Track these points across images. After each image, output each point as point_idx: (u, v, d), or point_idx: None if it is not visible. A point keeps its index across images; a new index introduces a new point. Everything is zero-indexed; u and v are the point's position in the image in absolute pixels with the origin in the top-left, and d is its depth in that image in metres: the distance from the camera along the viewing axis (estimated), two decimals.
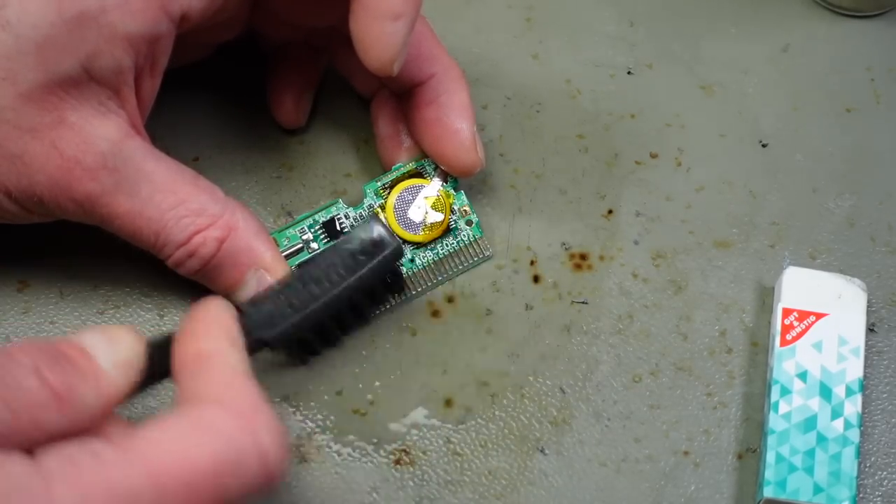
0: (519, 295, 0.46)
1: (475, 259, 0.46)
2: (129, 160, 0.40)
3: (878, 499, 0.44)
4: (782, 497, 0.42)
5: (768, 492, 0.42)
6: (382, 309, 0.45)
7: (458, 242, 0.46)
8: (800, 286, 0.45)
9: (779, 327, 0.44)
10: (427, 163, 0.46)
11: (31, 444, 0.31)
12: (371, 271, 0.41)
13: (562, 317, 0.46)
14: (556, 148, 0.49)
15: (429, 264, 0.46)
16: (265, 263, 0.43)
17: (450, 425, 0.44)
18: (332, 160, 0.48)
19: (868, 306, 0.45)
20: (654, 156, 0.49)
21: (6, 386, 0.31)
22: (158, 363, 0.37)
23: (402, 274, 0.44)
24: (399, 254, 0.42)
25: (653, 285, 0.47)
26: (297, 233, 0.45)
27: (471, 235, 0.46)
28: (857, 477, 0.42)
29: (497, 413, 0.44)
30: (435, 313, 0.46)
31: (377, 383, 0.45)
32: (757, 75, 0.51)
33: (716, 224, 0.48)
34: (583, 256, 0.47)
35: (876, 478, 0.44)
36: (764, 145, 0.50)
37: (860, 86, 0.51)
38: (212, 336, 0.36)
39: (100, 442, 0.31)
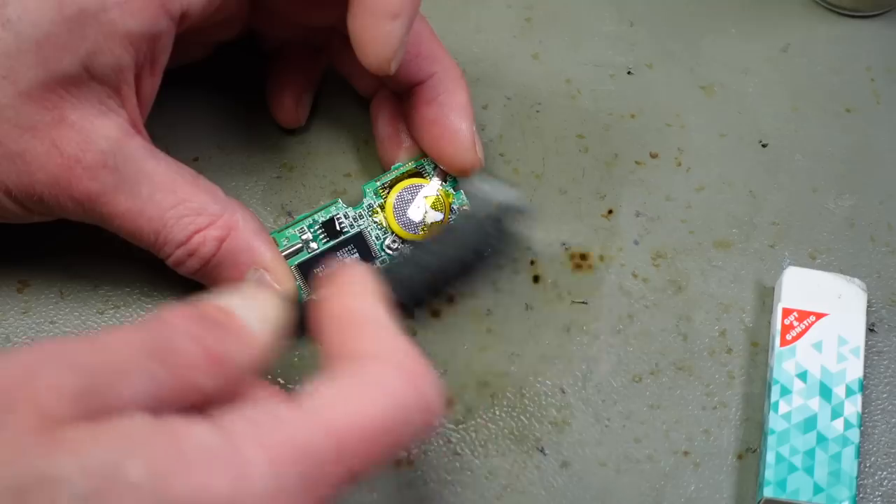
0: (519, 295, 0.46)
1: None
2: (129, 159, 0.40)
3: (878, 499, 0.44)
4: (782, 497, 0.42)
5: (768, 492, 0.42)
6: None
7: None
8: (800, 286, 0.45)
9: (779, 327, 0.44)
10: (426, 162, 0.46)
11: (191, 407, 0.32)
12: (499, 235, 0.42)
13: (562, 317, 0.46)
14: (556, 148, 0.49)
15: None
16: (265, 263, 0.43)
17: (450, 425, 0.44)
18: (332, 160, 0.48)
19: (868, 306, 0.45)
20: (654, 156, 0.49)
21: (166, 350, 0.32)
22: (298, 322, 0.37)
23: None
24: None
25: (653, 285, 0.47)
26: (297, 232, 0.45)
27: None
28: (857, 477, 0.42)
29: (497, 413, 0.44)
30: (435, 313, 0.46)
31: None
32: (757, 75, 0.51)
33: (716, 224, 0.48)
34: (583, 256, 0.47)
35: (876, 478, 0.44)
36: (764, 145, 0.50)
37: (860, 86, 0.51)
38: (358, 294, 0.36)
39: (275, 403, 0.32)
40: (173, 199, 0.41)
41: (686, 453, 0.44)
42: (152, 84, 0.42)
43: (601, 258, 0.47)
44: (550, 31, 0.51)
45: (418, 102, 0.45)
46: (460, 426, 0.44)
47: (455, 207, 0.46)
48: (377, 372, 0.34)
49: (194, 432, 0.30)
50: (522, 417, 0.44)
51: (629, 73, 0.51)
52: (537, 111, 0.50)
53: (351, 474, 0.32)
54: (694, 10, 0.52)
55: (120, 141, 0.40)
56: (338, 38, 0.46)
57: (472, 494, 0.43)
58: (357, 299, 0.36)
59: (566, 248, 0.47)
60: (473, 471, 0.43)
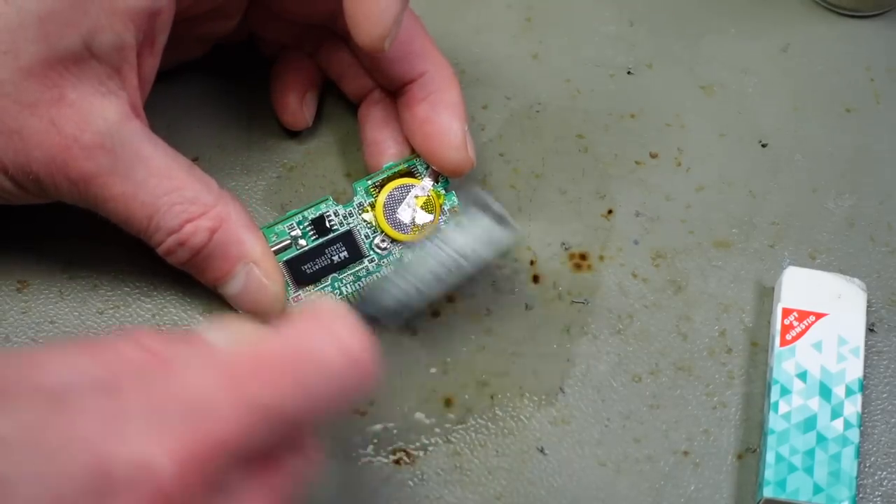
0: (519, 295, 0.46)
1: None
2: (126, 142, 0.40)
3: (878, 499, 0.44)
4: (782, 497, 0.42)
5: (768, 492, 0.42)
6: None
7: None
8: (799, 286, 0.45)
9: (779, 327, 0.44)
10: (419, 162, 0.46)
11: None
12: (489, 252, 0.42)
13: (562, 317, 0.46)
14: (556, 148, 0.49)
15: None
16: (255, 257, 0.43)
17: (450, 425, 0.44)
18: (332, 160, 0.48)
19: (868, 306, 0.45)
20: (653, 156, 0.49)
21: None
22: None
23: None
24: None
25: (652, 285, 0.47)
26: (286, 228, 0.45)
27: None
28: (857, 477, 0.42)
29: (497, 413, 0.44)
30: (435, 313, 0.46)
31: (377, 383, 0.45)
32: (757, 75, 0.51)
33: (716, 224, 0.48)
34: (583, 256, 0.47)
35: (876, 478, 0.44)
36: (764, 145, 0.50)
37: (860, 86, 0.51)
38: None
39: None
40: (168, 185, 0.41)
41: (686, 453, 0.44)
42: (152, 64, 0.42)
43: (601, 258, 0.47)
44: (550, 31, 0.51)
45: (410, 101, 0.45)
46: (460, 426, 0.44)
47: (446, 209, 0.46)
48: (289, 322, 0.34)
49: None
50: (522, 417, 0.44)
51: (629, 73, 0.51)
52: (537, 111, 0.50)
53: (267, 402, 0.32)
54: (694, 10, 0.52)
55: (118, 123, 0.40)
56: (328, 39, 0.46)
57: (472, 494, 0.43)
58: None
59: (566, 248, 0.47)
60: (473, 471, 0.43)
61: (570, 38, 0.52)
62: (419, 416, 0.44)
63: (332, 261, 0.45)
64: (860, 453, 0.43)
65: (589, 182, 0.48)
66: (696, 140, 0.50)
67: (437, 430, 0.44)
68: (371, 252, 0.45)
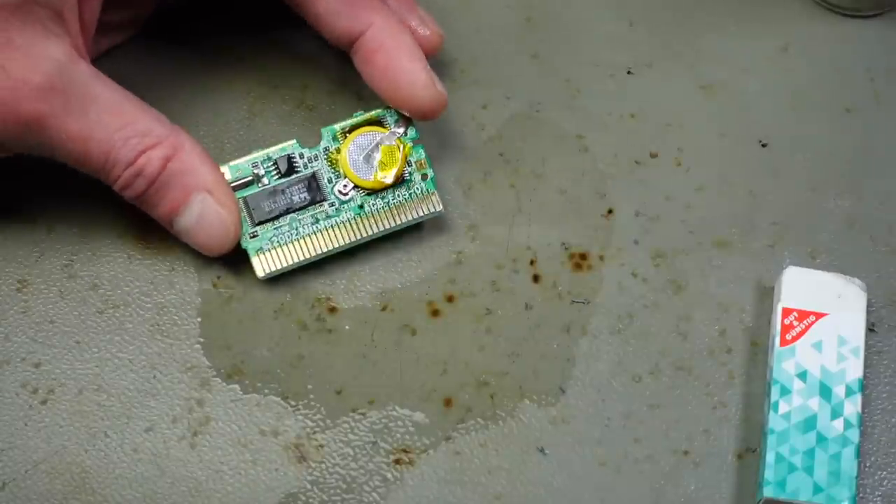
0: (519, 295, 0.46)
1: (425, 212, 0.46)
2: (76, 82, 0.41)
3: (878, 499, 0.44)
4: (782, 497, 0.42)
5: (768, 492, 0.42)
6: None
7: (409, 194, 0.46)
8: (799, 286, 0.45)
9: (779, 327, 0.44)
10: (389, 113, 0.46)
11: None
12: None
13: (562, 317, 0.46)
14: (556, 148, 0.49)
15: (377, 212, 0.45)
16: (209, 185, 0.43)
17: (450, 425, 0.44)
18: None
19: (868, 306, 0.45)
20: (653, 155, 0.49)
21: None
22: None
23: None
24: None
25: (652, 285, 0.47)
26: (250, 166, 0.45)
27: (424, 189, 0.46)
28: (857, 477, 0.42)
29: (497, 413, 0.44)
30: (435, 313, 0.46)
31: (377, 383, 0.45)
32: (757, 75, 0.51)
33: (716, 224, 0.48)
34: (583, 256, 0.47)
35: (876, 478, 0.44)
36: (764, 145, 0.50)
37: (860, 86, 0.51)
38: None
39: None
40: (120, 121, 0.41)
41: (686, 453, 0.44)
42: (91, 10, 0.43)
43: (601, 258, 0.47)
44: (550, 31, 0.51)
45: (366, 55, 0.45)
46: (460, 426, 0.44)
47: (412, 161, 0.46)
48: None
49: None
50: (522, 417, 0.44)
51: (629, 72, 0.51)
52: (537, 111, 0.50)
53: None
54: (694, 10, 0.52)
55: (67, 64, 0.41)
56: None
57: (472, 494, 0.43)
58: None
59: (566, 248, 0.47)
60: (473, 471, 0.43)
61: (570, 38, 0.51)
62: (419, 416, 0.44)
63: (291, 201, 0.45)
64: (860, 453, 0.43)
65: (589, 182, 0.48)
66: (696, 140, 0.49)
67: (437, 430, 0.44)
68: (332, 196, 0.45)
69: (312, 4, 0.45)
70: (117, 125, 0.41)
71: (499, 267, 0.47)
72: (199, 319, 0.45)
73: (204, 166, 0.43)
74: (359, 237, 0.45)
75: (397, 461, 0.43)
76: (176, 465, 0.43)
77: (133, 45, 0.48)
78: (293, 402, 0.44)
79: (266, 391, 0.44)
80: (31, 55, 0.40)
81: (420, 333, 0.45)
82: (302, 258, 0.45)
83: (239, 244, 0.44)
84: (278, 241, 0.45)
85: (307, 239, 0.45)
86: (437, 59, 0.48)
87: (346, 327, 0.45)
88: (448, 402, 0.44)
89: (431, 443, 0.44)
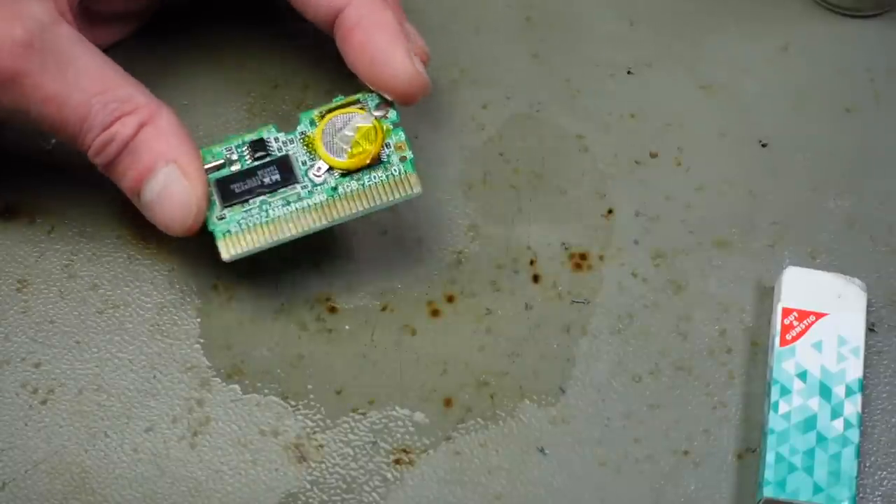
0: (519, 295, 0.46)
1: (402, 194, 0.44)
2: (56, 43, 0.41)
3: (878, 499, 0.44)
4: (782, 497, 0.42)
5: (768, 492, 0.42)
6: None
7: (387, 176, 0.44)
8: (799, 286, 0.45)
9: (778, 327, 0.44)
10: (370, 97, 0.45)
11: None
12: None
13: (562, 317, 0.46)
14: (556, 148, 0.49)
15: (352, 194, 0.44)
16: (177, 155, 0.42)
17: (450, 425, 0.44)
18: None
19: (868, 306, 0.45)
20: (653, 155, 0.49)
21: None
22: None
23: None
24: None
25: (652, 285, 0.47)
26: (224, 150, 0.44)
27: (401, 170, 0.44)
28: (857, 477, 0.42)
29: (497, 413, 0.44)
30: (435, 313, 0.46)
31: (377, 383, 0.45)
32: (757, 75, 0.51)
33: (716, 224, 0.48)
34: (583, 256, 0.47)
35: (876, 478, 0.44)
36: (764, 145, 0.50)
37: (860, 86, 0.51)
38: None
39: None
40: (100, 86, 0.41)
41: (686, 453, 0.44)
42: None
43: (601, 258, 0.47)
44: (550, 31, 0.51)
45: (344, 32, 0.44)
46: (460, 426, 0.44)
47: (391, 143, 0.44)
48: None
49: None
50: (522, 417, 0.44)
51: (629, 72, 0.51)
52: (537, 111, 0.50)
53: None
54: (694, 10, 0.52)
55: (49, 24, 0.40)
56: None
57: (472, 494, 0.43)
58: None
59: (566, 248, 0.47)
60: (473, 471, 0.43)
61: (570, 37, 0.51)
62: (419, 416, 0.44)
63: (262, 182, 0.44)
64: (860, 453, 0.43)
65: (589, 182, 0.48)
66: (696, 140, 0.49)
67: (437, 430, 0.44)
68: (305, 179, 0.44)
69: None
70: (97, 89, 0.41)
71: (499, 267, 0.47)
72: (199, 319, 0.45)
73: (176, 137, 0.42)
74: (331, 219, 0.44)
75: (397, 461, 0.43)
76: (176, 465, 0.43)
77: (133, 44, 0.48)
78: (293, 402, 0.44)
79: (266, 391, 0.44)
80: (12, 12, 0.40)
81: (420, 333, 0.45)
82: (270, 240, 0.43)
83: (206, 227, 0.43)
84: (246, 224, 0.43)
85: (276, 222, 0.43)
86: (436, 59, 0.48)
87: (346, 327, 0.45)
88: (448, 402, 0.44)
89: (431, 443, 0.44)
